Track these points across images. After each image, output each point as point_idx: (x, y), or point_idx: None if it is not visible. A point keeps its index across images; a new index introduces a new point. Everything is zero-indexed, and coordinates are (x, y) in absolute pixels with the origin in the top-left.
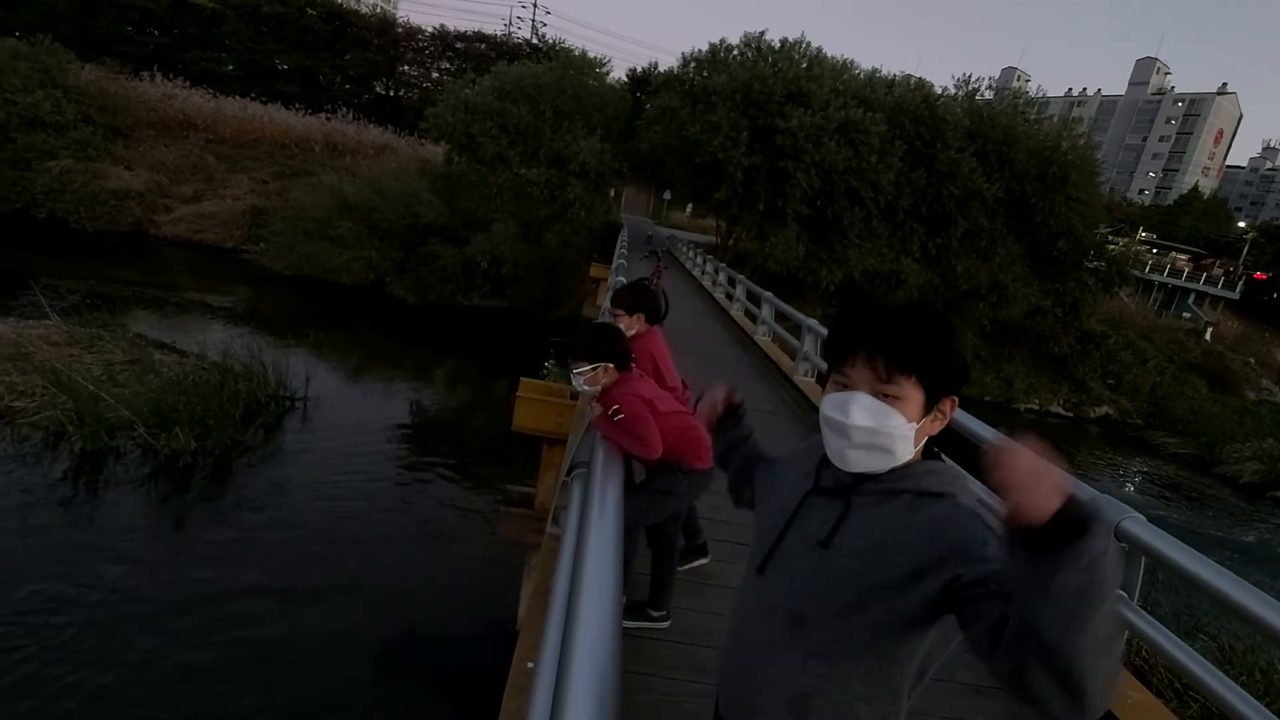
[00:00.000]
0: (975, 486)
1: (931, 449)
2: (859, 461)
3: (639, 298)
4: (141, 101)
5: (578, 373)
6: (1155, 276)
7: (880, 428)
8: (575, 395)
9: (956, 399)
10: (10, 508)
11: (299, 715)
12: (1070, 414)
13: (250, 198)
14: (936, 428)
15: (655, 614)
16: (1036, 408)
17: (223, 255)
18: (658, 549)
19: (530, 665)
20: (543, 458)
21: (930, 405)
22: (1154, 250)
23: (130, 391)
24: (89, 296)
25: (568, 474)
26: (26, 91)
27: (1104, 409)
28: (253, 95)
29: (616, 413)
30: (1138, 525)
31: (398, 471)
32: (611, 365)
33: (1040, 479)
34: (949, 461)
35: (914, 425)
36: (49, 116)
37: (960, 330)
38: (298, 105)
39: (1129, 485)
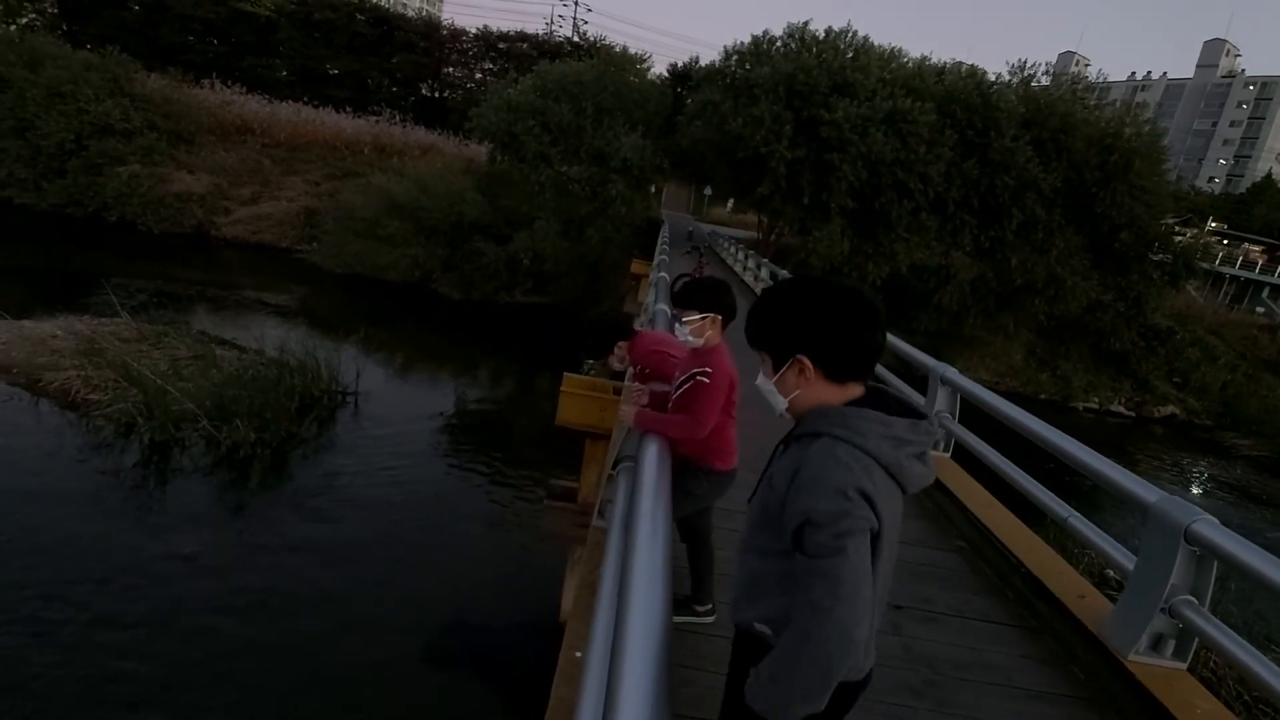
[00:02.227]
0: (872, 430)
1: (880, 397)
2: (774, 408)
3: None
4: (202, 108)
5: (685, 321)
6: (1226, 269)
7: (760, 385)
8: (619, 390)
9: (804, 358)
10: (85, 493)
11: (350, 698)
12: (1133, 414)
13: (304, 199)
14: (805, 383)
15: (700, 609)
16: (1096, 407)
17: (278, 255)
18: (691, 545)
19: (578, 655)
20: (585, 453)
21: (779, 365)
22: (1225, 241)
23: (194, 386)
24: (156, 295)
25: (613, 468)
26: (98, 101)
27: (1170, 408)
28: (305, 99)
29: (704, 373)
30: (1209, 528)
31: (444, 465)
32: (720, 318)
33: None
34: (845, 409)
35: (772, 381)
36: (118, 124)
37: (789, 300)
38: (347, 108)
39: (1197, 488)
